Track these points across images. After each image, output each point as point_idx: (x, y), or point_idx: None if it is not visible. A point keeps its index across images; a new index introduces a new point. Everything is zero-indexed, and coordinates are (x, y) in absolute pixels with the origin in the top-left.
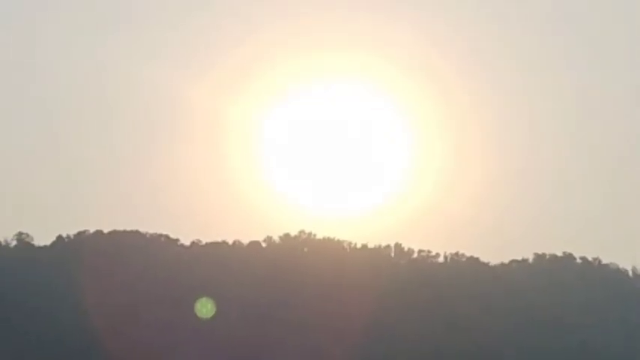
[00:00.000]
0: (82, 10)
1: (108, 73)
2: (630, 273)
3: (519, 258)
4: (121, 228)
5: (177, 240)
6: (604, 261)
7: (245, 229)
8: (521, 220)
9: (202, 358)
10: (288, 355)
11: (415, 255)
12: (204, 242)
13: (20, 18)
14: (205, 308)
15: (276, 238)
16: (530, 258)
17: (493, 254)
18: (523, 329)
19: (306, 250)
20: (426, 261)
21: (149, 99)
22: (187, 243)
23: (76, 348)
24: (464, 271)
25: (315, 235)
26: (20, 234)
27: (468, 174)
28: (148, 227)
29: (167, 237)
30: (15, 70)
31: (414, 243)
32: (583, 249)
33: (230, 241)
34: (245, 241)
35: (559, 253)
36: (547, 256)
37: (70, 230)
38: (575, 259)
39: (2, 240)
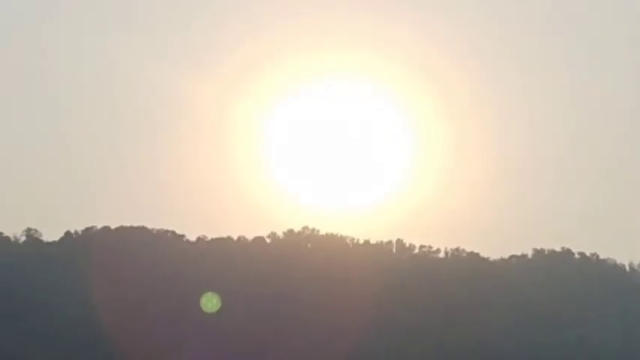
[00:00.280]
0: (89, 10)
1: (115, 73)
2: (627, 268)
3: (519, 253)
4: (128, 224)
5: (183, 236)
6: (602, 256)
7: (249, 225)
8: (520, 217)
9: (208, 351)
10: (292, 348)
11: (416, 250)
12: (209, 238)
13: (28, 19)
14: (211, 303)
15: (280, 234)
16: (530, 253)
17: (493, 250)
18: (522, 323)
19: (309, 245)
20: (427, 256)
21: (155, 98)
22: (193, 239)
23: (84, 342)
24: (464, 266)
25: (318, 231)
26: (29, 230)
27: (468, 171)
28: (155, 223)
29: (173, 233)
30: (23, 69)
31: (416, 239)
32: (581, 245)
33: (235, 237)
34: (250, 236)
35: (558, 249)
36: (546, 252)
37: (78, 226)
38: (573, 254)
39: (11, 236)
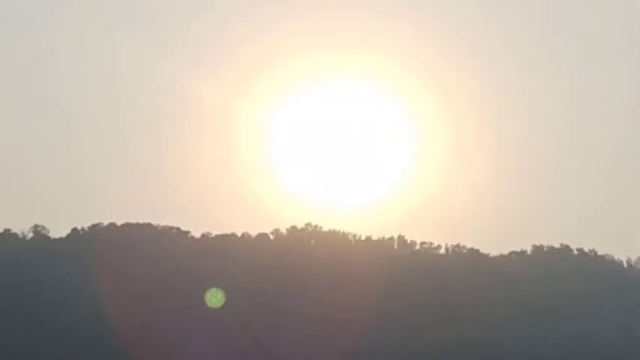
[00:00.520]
0: (94, 11)
1: (120, 72)
2: (625, 264)
3: (518, 250)
4: (133, 221)
5: (188, 232)
6: (600, 253)
7: (253, 221)
8: (519, 214)
9: (212, 346)
10: (295, 343)
11: (417, 247)
12: (213, 234)
13: (33, 18)
14: (215, 298)
15: (283, 230)
16: (529, 250)
17: (493, 246)
18: (521, 319)
19: (312, 242)
20: (428, 252)
21: (160, 98)
22: (198, 235)
23: (90, 337)
24: (464, 262)
25: (321, 228)
26: (36, 226)
27: (469, 169)
28: (160, 220)
29: (178, 229)
30: (30, 68)
31: (417, 235)
32: (580, 241)
33: (239, 234)
34: (253, 233)
35: (556, 245)
36: (545, 248)
37: (84, 223)
38: (572, 250)
39: (19, 232)
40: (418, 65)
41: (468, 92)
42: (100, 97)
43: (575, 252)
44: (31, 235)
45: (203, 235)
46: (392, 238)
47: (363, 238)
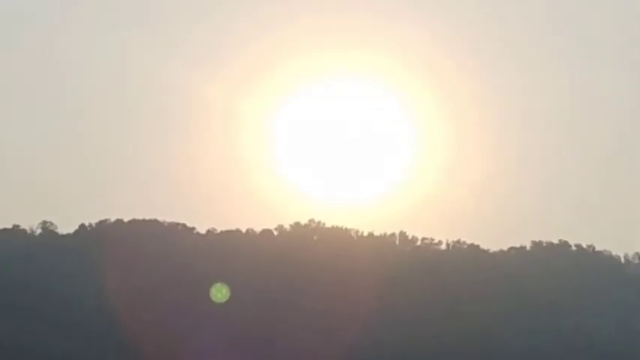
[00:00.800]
0: (104, 11)
1: (127, 72)
2: (622, 260)
3: (517, 245)
4: (140, 217)
5: (194, 228)
6: (598, 248)
7: (257, 218)
8: (519, 210)
9: (217, 340)
10: (299, 337)
11: (419, 242)
12: (219, 230)
13: (45, 19)
14: (220, 293)
15: (287, 226)
16: (528, 245)
17: (493, 242)
18: (521, 313)
19: (315, 237)
20: (429, 248)
21: (167, 97)
22: (203, 231)
23: (97, 331)
24: (465, 257)
25: (324, 224)
26: (45, 223)
27: (469, 167)
28: (166, 216)
29: (184, 225)
30: (39, 67)
31: (418, 231)
32: (578, 237)
33: (243, 230)
34: (257, 229)
35: (555, 241)
36: (544, 244)
37: (92, 219)
38: (570, 246)
39: (28, 228)
40: (419, 65)
41: (468, 92)
42: (108, 97)
43: (574, 248)
44: (39, 231)
45: (208, 231)
46: (393, 234)
47: (365, 234)
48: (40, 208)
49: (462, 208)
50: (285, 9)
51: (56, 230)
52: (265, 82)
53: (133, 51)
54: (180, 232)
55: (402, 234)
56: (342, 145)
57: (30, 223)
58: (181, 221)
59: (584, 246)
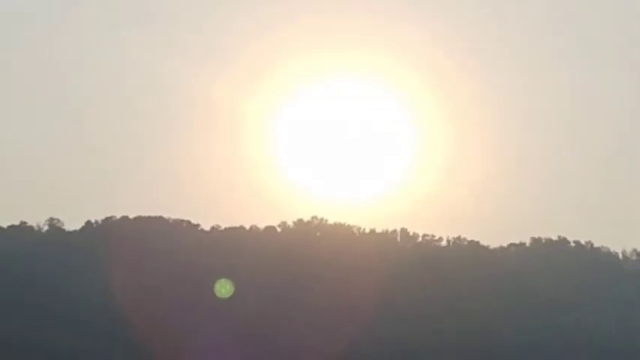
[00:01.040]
0: (104, 11)
1: (132, 70)
2: (621, 256)
3: (517, 242)
4: (145, 214)
5: (198, 225)
6: (596, 245)
7: (261, 214)
8: (518, 207)
9: (222, 336)
10: (302, 332)
11: (420, 239)
12: (223, 227)
13: (46, 19)
14: (224, 289)
15: (290, 223)
16: (528, 242)
17: (493, 238)
18: (521, 309)
19: (318, 234)
20: (430, 245)
21: (172, 95)
22: (207, 228)
23: (103, 327)
24: (465, 254)
25: (326, 221)
26: (51, 219)
27: (469, 165)
28: (171, 213)
29: (189, 222)
30: (43, 67)
31: (419, 228)
32: (577, 234)
33: (247, 227)
34: (261, 226)
35: (554, 238)
36: (543, 240)
37: (98, 216)
38: (569, 243)
39: (34, 225)
40: (419, 65)
41: (468, 92)
42: (113, 95)
43: (573, 244)
44: (46, 227)
45: (213, 228)
46: (395, 231)
47: (367, 230)
48: (47, 205)
49: (462, 205)
50: (285, 9)
51: (63, 227)
52: (267, 82)
53: (135, 51)
54: (185, 228)
55: (404, 230)
56: (344, 144)
57: (37, 219)
58: (186, 218)
59: (583, 242)
